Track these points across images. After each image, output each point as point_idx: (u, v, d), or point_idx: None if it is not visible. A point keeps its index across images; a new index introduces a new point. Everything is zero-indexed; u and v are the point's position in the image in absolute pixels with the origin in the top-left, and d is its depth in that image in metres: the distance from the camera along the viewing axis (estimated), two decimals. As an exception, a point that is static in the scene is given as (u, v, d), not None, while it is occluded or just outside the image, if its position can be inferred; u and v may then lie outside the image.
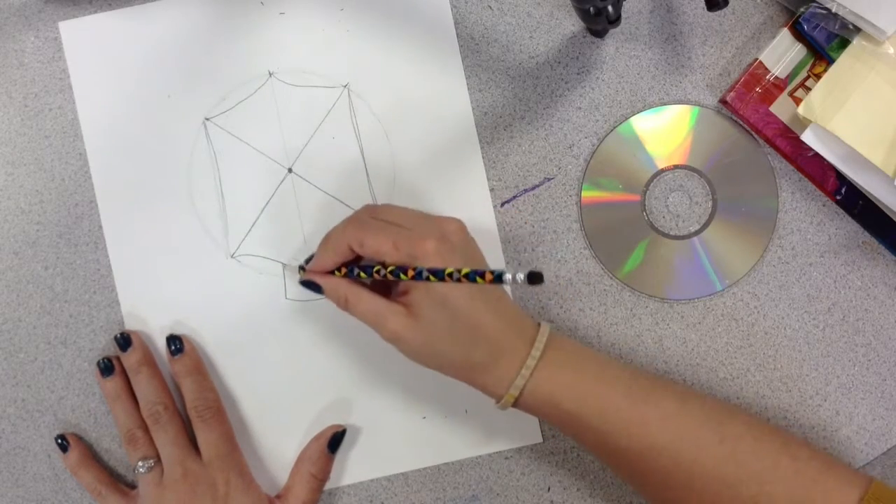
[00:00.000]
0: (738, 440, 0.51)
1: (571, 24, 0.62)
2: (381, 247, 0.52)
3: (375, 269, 0.52)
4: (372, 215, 0.54)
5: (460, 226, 0.54)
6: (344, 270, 0.55)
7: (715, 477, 0.51)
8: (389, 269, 0.51)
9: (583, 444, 0.54)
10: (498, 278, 0.46)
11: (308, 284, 0.56)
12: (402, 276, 0.51)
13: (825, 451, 0.53)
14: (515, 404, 0.53)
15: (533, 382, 0.52)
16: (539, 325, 0.54)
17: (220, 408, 0.59)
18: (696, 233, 0.61)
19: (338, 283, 0.55)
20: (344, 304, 0.54)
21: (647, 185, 0.61)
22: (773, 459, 0.51)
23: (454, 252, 0.52)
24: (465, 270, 0.48)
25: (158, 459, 0.58)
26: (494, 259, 0.61)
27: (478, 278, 0.47)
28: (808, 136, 0.58)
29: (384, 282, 0.55)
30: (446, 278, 0.48)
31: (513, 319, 0.53)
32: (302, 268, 0.58)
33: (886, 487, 0.50)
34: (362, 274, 0.54)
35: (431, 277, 0.49)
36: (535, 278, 0.44)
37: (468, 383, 0.53)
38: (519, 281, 0.44)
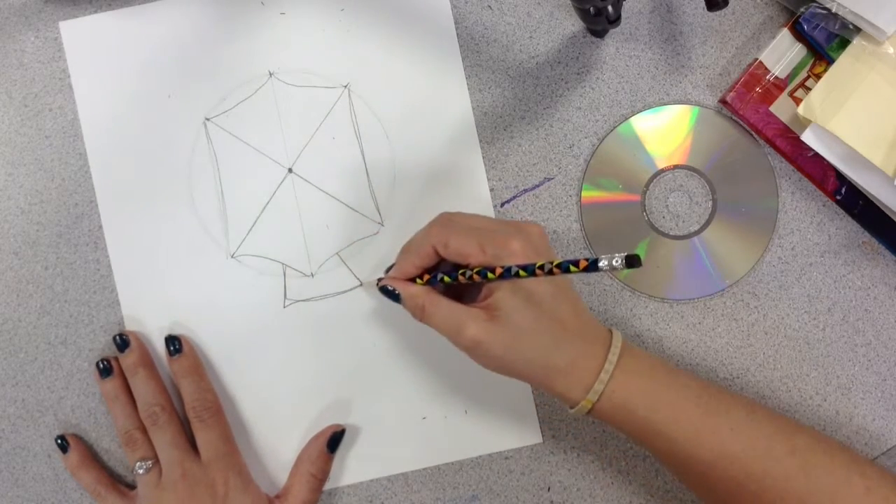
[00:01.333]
0: (809, 453, 0.51)
1: (571, 24, 0.62)
2: (466, 248, 0.51)
3: (461, 271, 0.52)
4: (452, 219, 0.54)
5: (541, 230, 0.54)
6: (426, 277, 0.54)
7: (785, 489, 0.50)
8: (476, 269, 0.50)
9: (653, 453, 0.54)
10: (593, 265, 0.44)
11: (386, 291, 0.55)
12: (489, 275, 0.50)
13: (891, 471, 0.53)
14: (590, 411, 0.52)
15: (609, 388, 0.51)
16: (610, 330, 0.54)
17: (218, 408, 0.59)
18: (696, 233, 0.61)
19: (417, 291, 0.54)
20: (421, 313, 0.53)
21: (647, 185, 0.61)
22: (844, 475, 0.51)
23: (538, 254, 0.52)
24: (556, 261, 0.46)
25: (157, 460, 0.58)
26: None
27: (571, 267, 0.45)
28: (808, 136, 0.58)
29: (458, 292, 0.55)
30: (537, 272, 0.47)
31: (589, 322, 0.53)
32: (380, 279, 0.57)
33: None
34: (446, 278, 0.53)
35: (522, 273, 0.48)
36: (633, 261, 0.42)
37: (544, 388, 0.52)
38: (617, 266, 0.42)
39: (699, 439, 0.51)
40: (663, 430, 0.52)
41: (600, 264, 0.43)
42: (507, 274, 0.49)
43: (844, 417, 0.61)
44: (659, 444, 0.52)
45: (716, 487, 0.52)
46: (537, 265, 0.47)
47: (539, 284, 0.51)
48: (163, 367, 0.61)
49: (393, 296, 0.55)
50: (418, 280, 0.55)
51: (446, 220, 0.54)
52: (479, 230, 0.53)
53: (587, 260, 0.44)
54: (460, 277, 0.52)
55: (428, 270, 0.55)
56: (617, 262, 0.42)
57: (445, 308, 0.52)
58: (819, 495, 0.50)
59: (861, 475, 0.51)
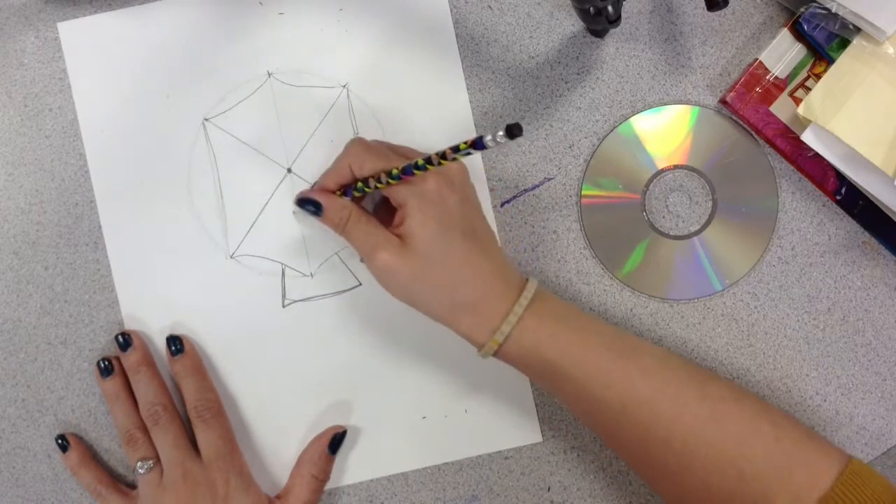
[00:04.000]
0: (720, 401, 0.51)
1: (571, 24, 0.62)
2: (379, 170, 0.53)
3: (358, 185, 0.54)
4: (371, 144, 0.55)
5: (462, 166, 0.54)
6: (340, 191, 0.56)
7: (694, 435, 0.50)
8: (385, 179, 0.52)
9: (562, 398, 0.54)
10: (478, 141, 0.46)
11: (307, 203, 0.56)
12: (393, 173, 0.52)
13: (805, 424, 0.52)
14: (497, 353, 0.52)
15: (518, 331, 0.52)
16: (528, 279, 0.54)
17: (219, 408, 0.59)
18: (696, 233, 0.61)
19: (340, 203, 0.55)
20: (343, 226, 0.54)
21: (647, 185, 0.61)
22: (754, 423, 0.50)
23: (451, 189, 0.52)
24: (445, 149, 0.49)
25: (158, 460, 0.58)
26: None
27: (461, 145, 0.48)
28: (808, 136, 0.58)
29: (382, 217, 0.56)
30: (433, 158, 0.49)
31: (502, 266, 0.54)
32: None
33: (864, 465, 0.50)
34: (360, 187, 0.54)
35: (420, 163, 0.50)
36: (513, 130, 0.44)
37: (451, 326, 0.53)
38: (500, 140, 0.44)
39: (609, 382, 0.51)
40: (573, 374, 0.51)
41: (486, 139, 0.45)
42: (408, 170, 0.50)
43: (844, 417, 0.61)
44: (568, 387, 0.52)
45: (624, 433, 0.52)
46: (433, 154, 0.49)
47: (452, 218, 0.52)
48: (163, 367, 0.61)
49: (315, 206, 0.55)
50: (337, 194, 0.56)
51: (363, 144, 0.55)
52: (397, 157, 0.54)
53: (473, 138, 0.47)
54: (375, 186, 0.53)
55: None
56: (500, 135, 0.44)
57: (365, 225, 0.54)
58: (728, 442, 0.50)
59: (772, 424, 0.50)
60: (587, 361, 0.51)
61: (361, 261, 0.59)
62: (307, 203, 0.56)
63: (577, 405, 0.53)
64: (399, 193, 0.53)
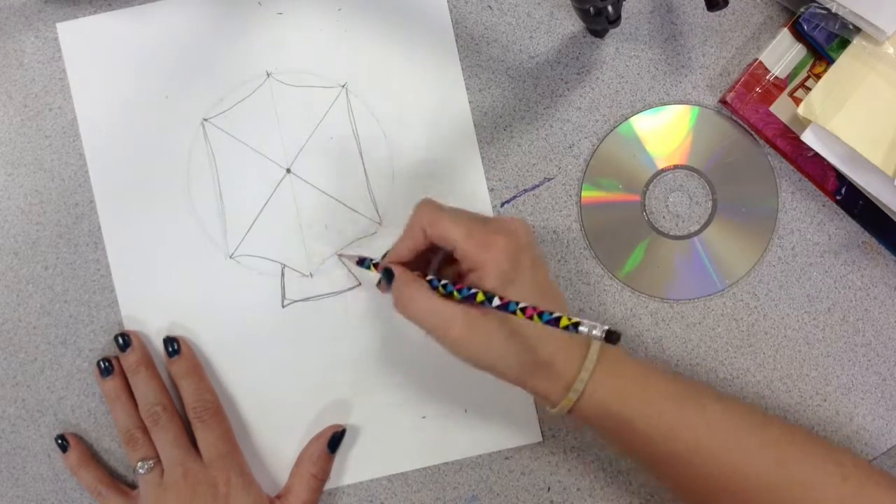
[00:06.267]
0: (783, 445, 0.51)
1: (571, 24, 0.62)
2: (453, 232, 0.51)
3: (443, 283, 0.51)
4: (439, 204, 0.53)
5: (527, 226, 0.53)
6: (426, 277, 0.53)
7: (760, 481, 0.50)
8: (475, 289, 0.50)
9: (629, 452, 0.54)
10: (573, 325, 0.45)
11: (384, 271, 0.54)
12: (479, 296, 0.49)
13: (865, 459, 0.52)
14: (570, 410, 0.52)
15: (591, 386, 0.51)
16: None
17: (218, 408, 0.59)
18: (696, 233, 0.61)
19: (410, 277, 0.52)
20: (406, 301, 0.52)
21: (647, 185, 0.61)
22: (819, 465, 0.51)
23: (522, 250, 0.51)
24: (548, 313, 0.47)
25: (158, 460, 0.58)
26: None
27: (562, 320, 0.46)
28: (808, 136, 0.58)
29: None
30: (518, 312, 0.48)
31: None
32: (377, 265, 0.57)
33: None
34: (443, 289, 0.52)
35: (520, 314, 0.48)
36: (612, 337, 0.43)
37: (524, 386, 0.52)
38: (596, 337, 0.44)
39: (675, 435, 0.51)
40: (640, 427, 0.51)
41: (581, 328, 0.45)
42: (505, 309, 0.48)
43: (844, 417, 0.61)
44: (636, 441, 0.52)
45: (692, 484, 0.52)
46: (538, 312, 0.47)
47: (522, 283, 0.51)
48: (163, 367, 0.61)
49: (388, 275, 0.53)
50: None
51: (434, 204, 0.53)
52: (467, 218, 0.52)
53: (572, 321, 0.45)
54: (440, 289, 0.51)
55: (420, 255, 0.54)
56: (596, 334, 0.44)
57: (432, 304, 0.51)
58: (795, 488, 0.50)
59: (836, 464, 0.51)
60: (651, 414, 0.51)
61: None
62: (384, 271, 0.54)
63: (645, 459, 0.53)
64: (470, 254, 0.51)
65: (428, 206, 0.53)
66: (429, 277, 0.53)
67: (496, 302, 0.48)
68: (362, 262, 0.58)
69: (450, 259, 0.55)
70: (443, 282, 0.52)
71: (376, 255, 0.60)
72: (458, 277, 0.53)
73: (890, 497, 0.50)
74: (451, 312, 0.50)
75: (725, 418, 0.52)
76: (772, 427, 0.52)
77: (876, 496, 0.50)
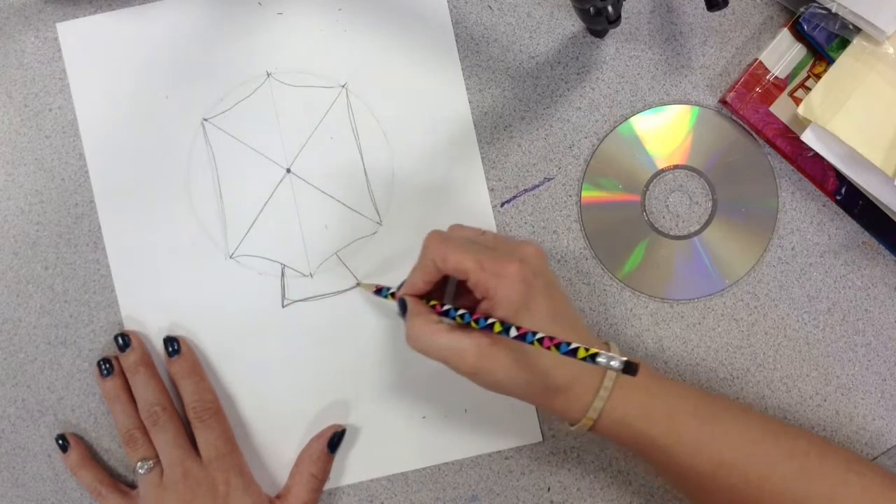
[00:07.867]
0: (805, 457, 0.52)
1: (571, 24, 0.62)
2: (464, 263, 0.51)
3: (460, 313, 0.51)
4: (447, 235, 0.53)
5: (539, 250, 0.53)
6: (442, 308, 0.53)
7: (784, 494, 0.51)
8: (492, 320, 0.50)
9: (654, 465, 0.54)
10: (591, 357, 0.45)
11: (399, 303, 0.54)
12: (498, 327, 0.49)
13: (883, 467, 0.53)
14: (591, 428, 0.52)
15: (609, 405, 0.52)
16: (607, 344, 0.54)
17: (218, 408, 0.59)
18: (696, 233, 0.61)
19: (422, 309, 0.52)
20: (416, 336, 0.52)
21: (647, 185, 0.61)
22: (841, 476, 0.51)
23: (535, 276, 0.51)
24: (566, 345, 0.46)
25: (158, 460, 0.58)
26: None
27: (580, 351, 0.46)
28: (808, 136, 0.58)
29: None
30: (535, 343, 0.47)
31: (588, 339, 0.53)
32: (393, 294, 0.57)
33: None
34: (460, 318, 0.51)
35: (537, 345, 0.47)
36: (630, 369, 0.43)
37: (543, 407, 0.53)
38: (614, 368, 0.43)
39: (698, 449, 0.52)
40: (662, 443, 0.52)
41: (598, 358, 0.44)
42: (522, 339, 0.48)
43: (844, 417, 0.61)
44: (658, 456, 0.53)
45: (715, 496, 0.52)
46: (555, 344, 0.47)
47: (537, 309, 0.50)
48: (163, 368, 0.61)
49: (403, 306, 0.53)
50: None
51: (442, 236, 0.53)
52: (477, 246, 0.52)
53: (586, 350, 0.45)
54: (458, 319, 0.51)
55: (436, 285, 0.54)
56: (615, 365, 0.43)
57: (441, 338, 0.51)
58: (818, 498, 0.50)
59: (857, 474, 0.51)
60: (674, 430, 0.52)
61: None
62: (399, 303, 0.54)
63: (669, 472, 0.54)
64: (483, 283, 0.51)
65: (435, 240, 0.53)
66: (446, 307, 0.52)
67: (513, 332, 0.48)
68: (379, 291, 0.58)
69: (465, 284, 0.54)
70: (460, 311, 0.51)
71: (376, 255, 0.60)
72: (475, 303, 0.53)
73: None
74: (462, 345, 0.50)
75: (748, 429, 0.52)
76: (794, 438, 0.52)
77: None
